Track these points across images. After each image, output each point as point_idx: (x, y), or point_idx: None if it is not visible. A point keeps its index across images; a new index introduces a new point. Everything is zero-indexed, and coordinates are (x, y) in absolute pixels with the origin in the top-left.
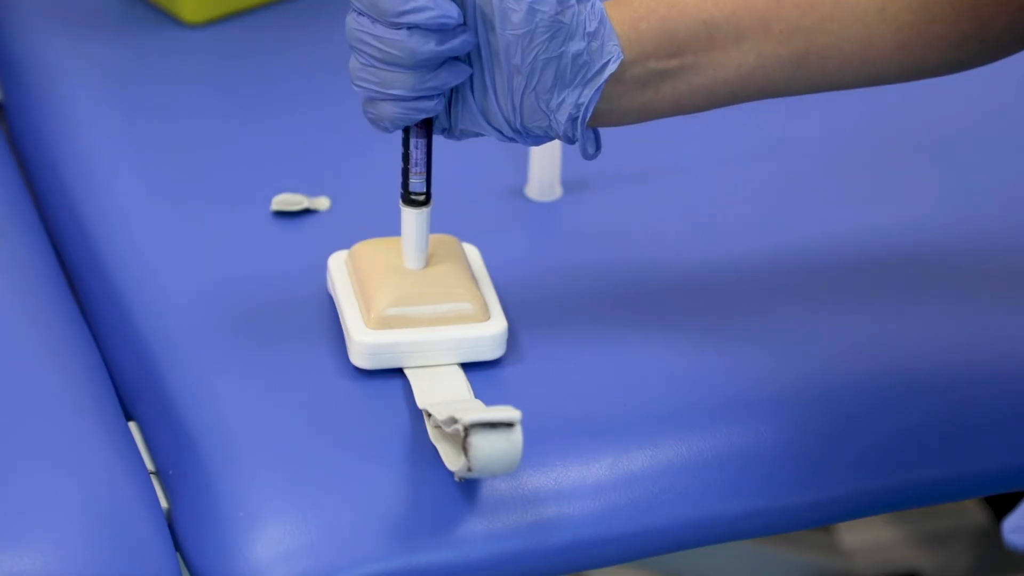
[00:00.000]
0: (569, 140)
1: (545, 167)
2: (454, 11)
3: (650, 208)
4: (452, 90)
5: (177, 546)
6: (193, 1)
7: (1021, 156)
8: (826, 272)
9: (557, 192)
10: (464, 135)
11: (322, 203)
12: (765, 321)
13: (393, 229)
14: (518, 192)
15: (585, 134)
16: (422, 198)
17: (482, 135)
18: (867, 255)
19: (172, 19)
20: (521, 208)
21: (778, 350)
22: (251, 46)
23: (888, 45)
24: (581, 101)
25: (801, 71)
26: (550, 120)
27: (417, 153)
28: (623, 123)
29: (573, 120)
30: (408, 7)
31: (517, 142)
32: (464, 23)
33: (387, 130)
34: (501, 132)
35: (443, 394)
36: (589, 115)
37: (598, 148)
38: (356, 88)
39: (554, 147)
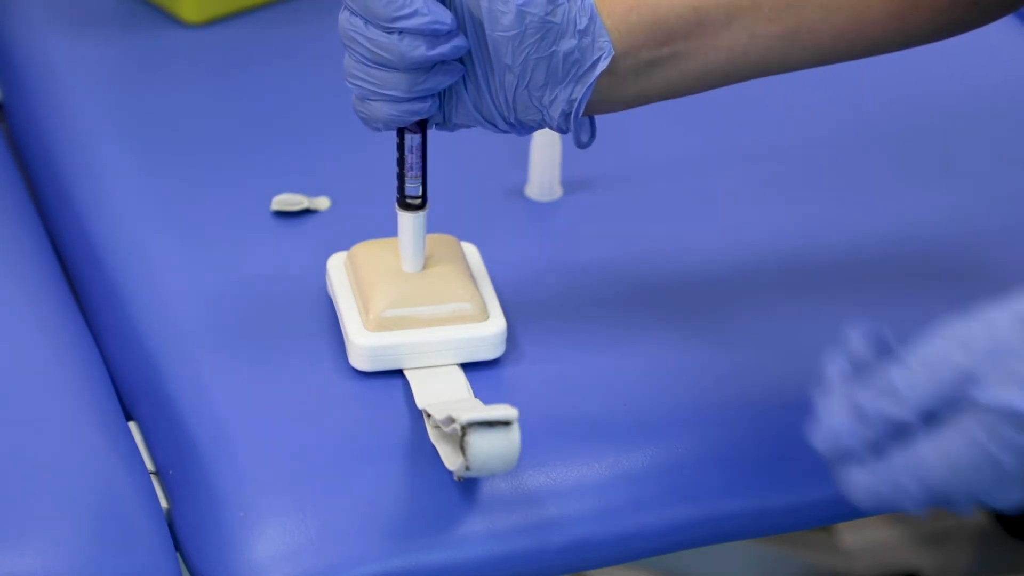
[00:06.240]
0: (562, 131)
1: (545, 167)
2: (447, 17)
3: (650, 208)
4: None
5: (177, 546)
6: (193, 1)
7: (1022, 152)
8: (827, 271)
9: (557, 192)
10: (458, 127)
11: (322, 203)
12: (766, 320)
13: (394, 229)
14: (518, 192)
15: (579, 124)
16: (418, 202)
17: (476, 127)
18: (868, 254)
19: (172, 19)
20: (521, 208)
21: (779, 349)
22: (251, 46)
23: (879, 14)
24: (573, 97)
25: (794, 47)
26: (543, 115)
27: (412, 157)
28: (617, 110)
29: (566, 115)
30: (401, 12)
31: (511, 134)
32: (456, 26)
33: (379, 130)
34: (495, 126)
35: (443, 394)
36: (582, 110)
37: (592, 136)
38: (349, 85)
39: (554, 147)
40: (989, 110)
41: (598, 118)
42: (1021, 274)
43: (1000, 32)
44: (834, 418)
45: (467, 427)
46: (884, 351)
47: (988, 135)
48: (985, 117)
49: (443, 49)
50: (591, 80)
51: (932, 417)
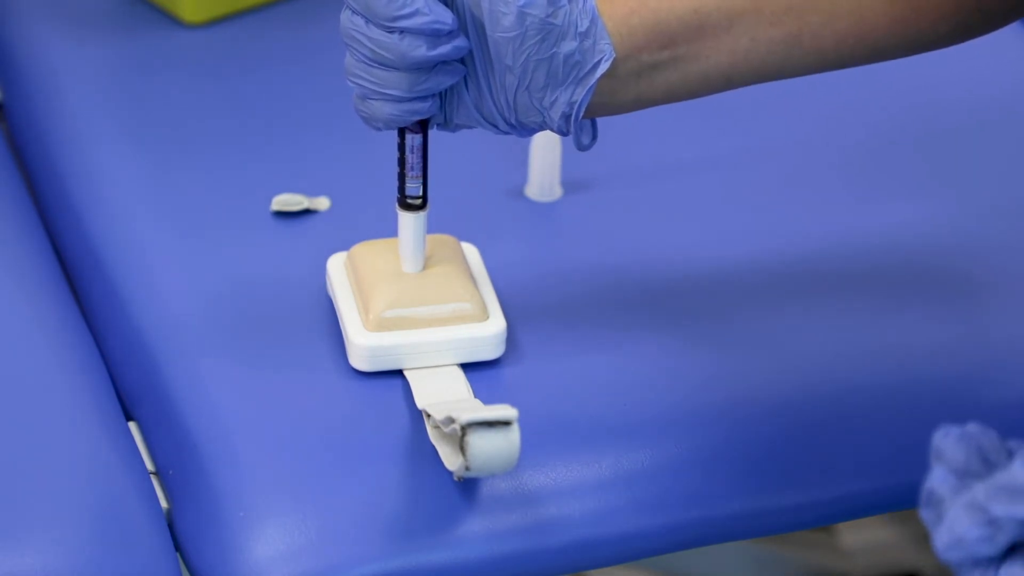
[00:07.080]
0: (563, 134)
1: (545, 167)
2: (448, 17)
3: (650, 208)
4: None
5: (177, 546)
6: (193, 1)
7: (1022, 155)
8: (826, 273)
9: (557, 192)
10: (459, 128)
11: (322, 203)
12: (765, 321)
13: (394, 229)
14: (518, 192)
15: (579, 126)
16: (419, 202)
17: (478, 128)
18: (868, 256)
19: (172, 19)
20: (521, 208)
21: (777, 350)
22: (251, 46)
23: (882, 19)
24: (574, 100)
25: (795, 51)
26: (544, 117)
27: (413, 157)
28: (618, 113)
29: (566, 117)
30: (402, 12)
31: (512, 135)
32: (458, 27)
33: (379, 129)
34: (496, 127)
35: (443, 394)
36: (582, 112)
37: (594, 138)
38: (350, 84)
39: (554, 148)
40: (994, 118)
41: (599, 118)
42: (1020, 279)
43: (1006, 40)
44: (962, 527)
45: (467, 427)
46: (984, 453)
47: (993, 143)
48: (990, 126)
49: (444, 49)
50: (591, 82)
51: None
